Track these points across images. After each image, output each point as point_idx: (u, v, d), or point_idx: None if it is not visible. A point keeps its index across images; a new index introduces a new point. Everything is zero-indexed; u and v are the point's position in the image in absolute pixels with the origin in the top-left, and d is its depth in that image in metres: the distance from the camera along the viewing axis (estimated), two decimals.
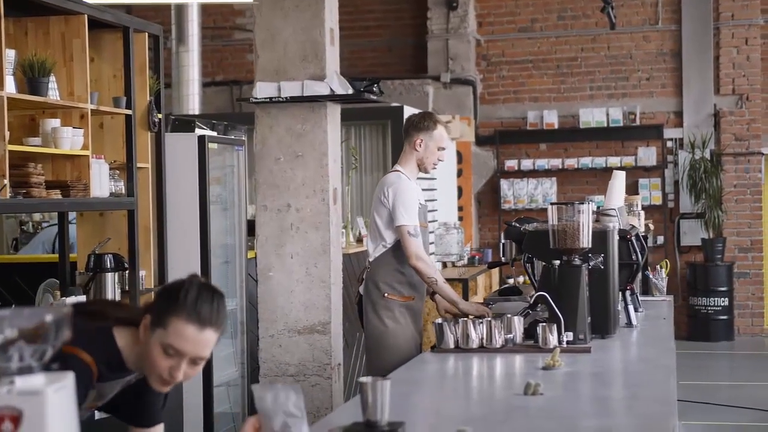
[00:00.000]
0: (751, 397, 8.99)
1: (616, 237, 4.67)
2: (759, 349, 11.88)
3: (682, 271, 12.54)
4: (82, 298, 5.11)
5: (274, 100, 5.63)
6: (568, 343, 4.22)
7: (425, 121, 5.22)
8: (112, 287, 5.31)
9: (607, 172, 12.35)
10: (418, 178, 5.38)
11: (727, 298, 12.14)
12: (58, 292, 5.36)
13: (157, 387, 2.64)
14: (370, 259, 5.23)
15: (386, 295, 5.12)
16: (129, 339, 2.65)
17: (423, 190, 9.56)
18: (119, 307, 2.73)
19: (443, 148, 5.24)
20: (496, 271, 11.21)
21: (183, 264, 6.14)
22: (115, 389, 2.75)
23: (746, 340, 12.27)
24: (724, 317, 12.15)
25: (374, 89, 5.89)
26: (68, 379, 1.78)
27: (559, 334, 4.20)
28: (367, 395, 2.71)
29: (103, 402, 2.75)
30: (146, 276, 5.75)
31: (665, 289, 6.38)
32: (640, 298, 5.65)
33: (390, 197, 5.08)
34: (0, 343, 1.74)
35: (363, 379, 2.72)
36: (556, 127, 12.76)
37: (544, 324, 4.19)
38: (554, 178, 12.74)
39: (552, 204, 4.42)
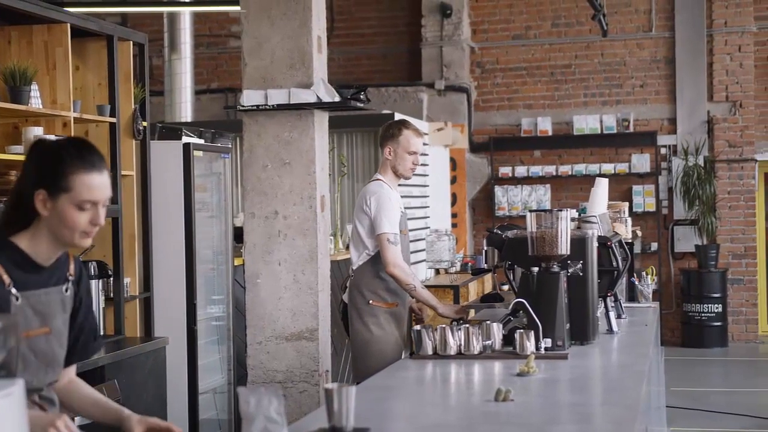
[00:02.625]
0: (744, 403, 8.99)
1: (595, 244, 4.67)
2: (752, 356, 11.87)
3: (676, 277, 12.55)
4: None
5: (261, 107, 5.65)
6: (546, 349, 4.23)
7: (390, 129, 5.37)
8: (96, 295, 5.32)
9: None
10: (401, 185, 5.42)
11: (720, 305, 12.14)
12: None
13: (81, 243, 2.70)
14: (354, 267, 5.32)
15: (371, 302, 5.22)
16: (28, 239, 2.69)
17: (415, 197, 9.64)
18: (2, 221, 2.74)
19: (414, 153, 5.31)
20: (489, 278, 11.22)
21: (168, 271, 6.16)
22: (52, 303, 2.73)
23: (740, 347, 12.27)
24: (718, 324, 12.15)
25: (361, 97, 5.91)
26: (16, 386, 1.80)
27: (537, 340, 4.21)
28: (333, 402, 2.73)
29: (51, 325, 2.71)
30: (131, 283, 5.76)
31: (650, 296, 6.38)
32: (625, 305, 5.66)
33: (372, 206, 5.18)
34: None
35: (328, 385, 2.74)
36: (550, 134, 12.78)
37: (521, 330, 4.21)
38: (548, 185, 12.75)
39: (531, 211, 4.44)
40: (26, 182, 2.70)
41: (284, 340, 5.66)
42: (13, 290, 2.63)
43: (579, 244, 4.52)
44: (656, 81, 12.70)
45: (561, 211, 4.40)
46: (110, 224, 5.59)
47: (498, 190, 12.83)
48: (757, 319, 12.56)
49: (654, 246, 12.44)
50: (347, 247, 8.07)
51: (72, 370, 2.94)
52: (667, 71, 12.66)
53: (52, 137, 2.77)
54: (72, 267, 2.82)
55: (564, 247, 4.38)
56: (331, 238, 7.62)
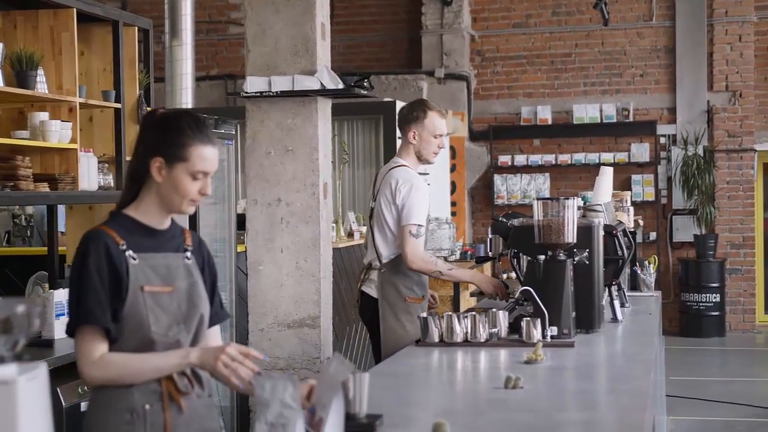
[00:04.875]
0: (741, 392, 9.02)
1: (602, 232, 4.67)
2: (750, 345, 11.91)
3: (675, 267, 12.57)
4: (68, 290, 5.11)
5: (264, 94, 5.65)
6: (552, 337, 4.23)
7: (414, 111, 5.12)
8: None
9: (600, 168, 12.34)
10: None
11: (718, 295, 12.17)
12: (47, 285, 5.37)
13: (187, 211, 2.86)
14: (383, 260, 5.06)
15: (407, 299, 5.02)
16: (135, 208, 2.86)
17: None
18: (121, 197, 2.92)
19: (439, 135, 5.10)
20: (488, 267, 11.24)
21: None
22: (172, 266, 2.86)
23: (737, 336, 12.30)
24: (716, 313, 12.18)
25: (364, 84, 5.90)
26: (40, 369, 1.80)
27: (544, 328, 4.21)
28: (346, 388, 2.73)
29: (174, 285, 2.85)
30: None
31: (653, 285, 6.40)
32: (627, 294, 5.67)
33: (402, 194, 4.96)
34: None
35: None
36: (549, 122, 12.78)
37: (528, 318, 4.21)
38: (547, 174, 12.76)
39: (537, 199, 4.43)
40: (141, 151, 2.85)
41: (286, 327, 5.67)
42: (129, 252, 2.78)
43: (585, 232, 4.52)
44: (656, 70, 12.70)
45: (568, 199, 4.40)
46: None
47: (497, 179, 12.84)
48: (754, 309, 12.59)
49: (653, 235, 12.46)
50: (349, 235, 8.07)
51: (214, 337, 3.05)
52: (668, 60, 12.66)
53: (163, 110, 2.95)
54: (189, 239, 2.96)
55: (571, 236, 4.38)
56: (333, 225, 7.62)
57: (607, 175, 5.57)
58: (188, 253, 2.92)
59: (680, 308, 12.34)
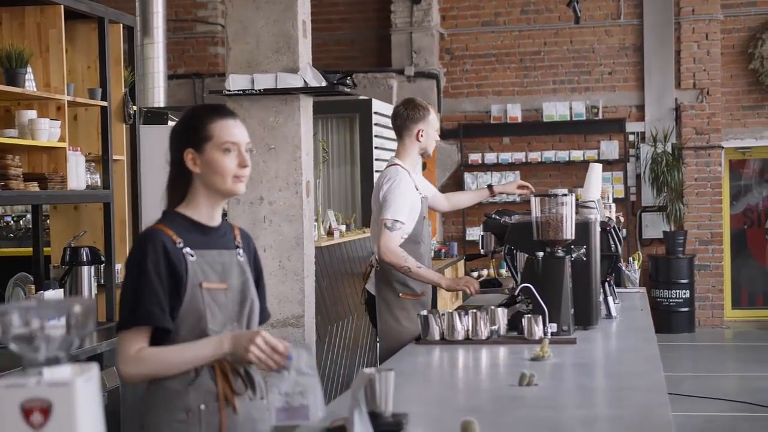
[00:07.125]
0: (713, 387, 9.10)
1: (598, 228, 4.69)
2: (719, 341, 12.02)
3: (644, 263, 12.65)
4: (60, 291, 5.04)
5: (246, 92, 5.60)
6: (552, 334, 4.24)
7: (419, 110, 5.14)
8: (88, 281, 5.25)
9: (570, 165, 12.47)
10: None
11: (688, 291, 12.27)
12: (33, 286, 5.28)
13: (235, 189, 2.81)
14: (378, 258, 5.06)
15: (401, 295, 5.04)
16: (185, 206, 2.84)
17: None
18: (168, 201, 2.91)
19: (437, 130, 5.20)
20: (461, 264, 11.26)
21: None
22: (226, 264, 2.84)
23: (707, 332, 12.42)
24: (685, 309, 12.28)
25: (347, 82, 5.88)
26: (94, 370, 1.76)
27: (544, 325, 4.22)
28: (373, 386, 2.71)
29: (229, 282, 2.82)
30: (122, 269, 5.68)
31: (638, 281, 6.43)
32: (616, 290, 5.69)
33: (384, 190, 4.99)
34: (27, 334, 1.71)
35: (368, 370, 2.72)
36: (519, 120, 12.81)
37: (529, 316, 4.21)
38: (518, 172, 12.78)
39: (536, 196, 4.43)
40: (174, 155, 2.84)
41: (270, 326, 5.63)
42: (187, 249, 2.77)
43: (582, 228, 4.53)
44: (625, 68, 12.79)
45: (566, 195, 4.41)
46: (101, 210, 5.51)
47: (468, 177, 12.85)
48: (722, 304, 12.72)
49: (623, 232, 12.52)
50: (329, 234, 8.04)
51: None
52: (636, 58, 12.74)
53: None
54: (238, 235, 2.94)
55: (569, 232, 4.38)
56: (315, 224, 7.58)
57: (596, 172, 5.59)
58: (240, 250, 2.91)
59: (650, 304, 12.37)
